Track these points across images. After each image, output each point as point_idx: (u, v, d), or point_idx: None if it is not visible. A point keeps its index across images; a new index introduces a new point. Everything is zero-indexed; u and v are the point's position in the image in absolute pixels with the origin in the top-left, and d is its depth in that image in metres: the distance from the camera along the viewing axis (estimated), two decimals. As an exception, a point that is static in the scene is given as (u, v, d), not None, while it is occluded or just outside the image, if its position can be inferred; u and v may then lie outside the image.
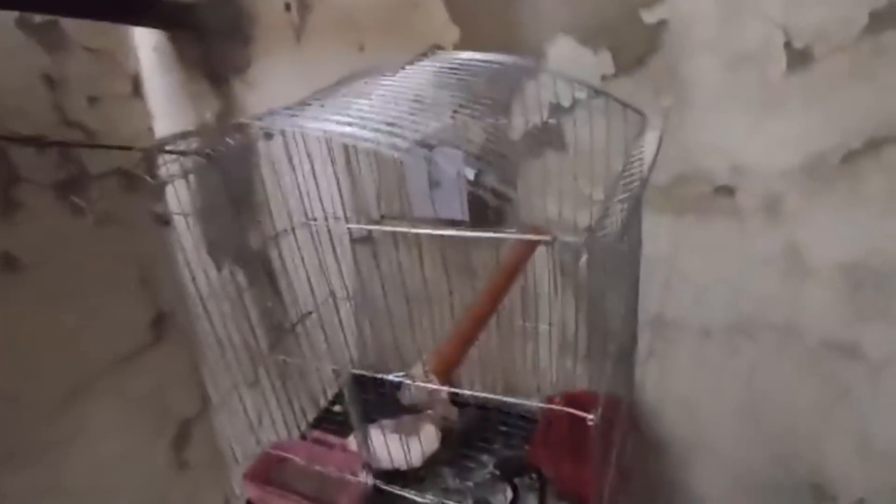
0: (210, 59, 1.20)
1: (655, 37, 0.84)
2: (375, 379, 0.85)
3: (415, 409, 0.95)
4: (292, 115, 0.57)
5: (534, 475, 0.90)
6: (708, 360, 1.02)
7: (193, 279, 0.85)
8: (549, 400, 0.79)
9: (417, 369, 0.82)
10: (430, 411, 0.98)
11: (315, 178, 0.98)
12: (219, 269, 1.33)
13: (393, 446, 0.92)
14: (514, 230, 0.87)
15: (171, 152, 0.71)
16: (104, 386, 1.30)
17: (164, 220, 0.92)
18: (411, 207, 1.07)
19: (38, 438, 1.19)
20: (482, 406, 1.06)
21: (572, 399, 0.70)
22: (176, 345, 1.45)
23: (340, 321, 1.12)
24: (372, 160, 1.09)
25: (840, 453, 0.99)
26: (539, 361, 1.05)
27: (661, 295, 1.00)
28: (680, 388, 1.07)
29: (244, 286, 1.33)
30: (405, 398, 0.87)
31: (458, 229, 0.97)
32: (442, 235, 0.67)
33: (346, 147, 1.05)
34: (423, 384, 0.79)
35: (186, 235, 0.90)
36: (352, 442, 0.97)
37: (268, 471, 0.98)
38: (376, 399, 0.93)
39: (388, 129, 0.49)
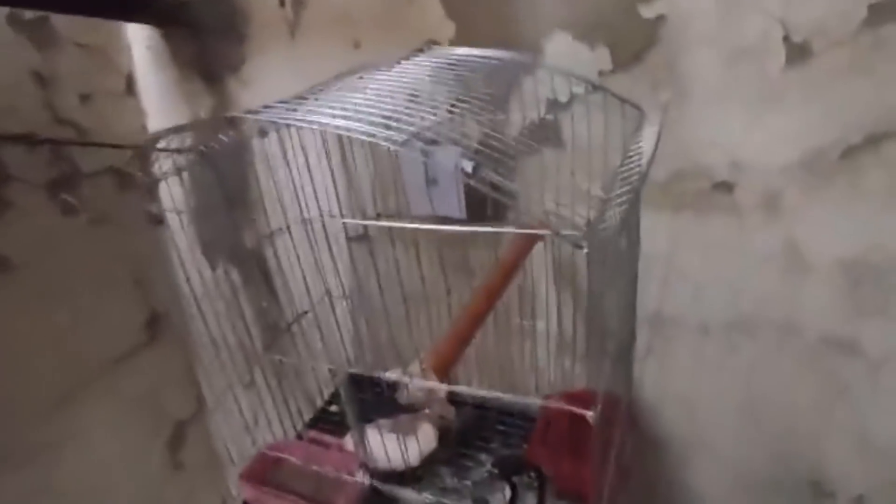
0: (204, 57, 1.18)
1: (653, 32, 0.84)
2: (372, 378, 0.85)
3: (412, 409, 0.94)
4: (286, 109, 0.56)
5: (532, 474, 0.89)
6: (707, 358, 1.02)
7: (188, 279, 0.84)
8: (548, 399, 0.78)
9: (415, 368, 0.81)
10: (427, 410, 0.97)
11: (311, 175, 0.97)
12: (213, 268, 1.32)
13: (390, 446, 0.91)
14: (512, 226, 0.87)
15: (164, 150, 0.70)
16: (98, 387, 1.29)
17: (158, 219, 0.91)
18: (408, 205, 1.06)
19: (32, 440, 1.18)
20: (480, 405, 1.05)
21: (571, 398, 0.69)
22: (170, 345, 1.44)
23: (337, 320, 1.12)
24: (368, 157, 1.08)
25: (839, 450, 0.99)
26: (537, 360, 1.05)
27: (660, 292, 1.00)
28: (679, 385, 1.07)
29: (239, 285, 1.32)
30: (402, 397, 0.86)
31: (455, 226, 0.96)
32: (439, 231, 0.66)
33: (341, 144, 1.05)
34: (420, 382, 0.78)
35: (180, 234, 0.89)
36: (348, 442, 0.97)
37: (264, 471, 0.97)
38: (373, 398, 0.92)
39: (384, 122, 0.48)
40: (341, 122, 0.50)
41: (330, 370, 1.07)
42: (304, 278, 1.00)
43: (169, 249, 0.87)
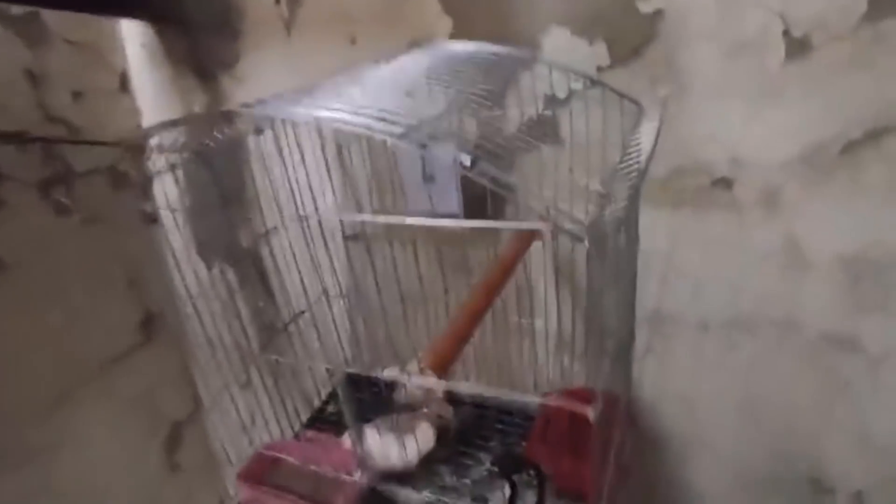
0: (198, 54, 1.17)
1: (652, 26, 0.83)
2: (370, 378, 0.84)
3: (410, 408, 0.93)
4: (282, 103, 0.55)
5: (532, 472, 0.88)
6: (706, 356, 1.01)
7: (183, 278, 0.83)
8: (547, 397, 0.78)
9: (412, 367, 0.80)
10: (425, 409, 0.96)
11: (307, 173, 0.96)
12: (209, 267, 1.31)
13: (388, 445, 0.90)
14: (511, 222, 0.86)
15: (158, 147, 0.69)
16: (94, 388, 1.28)
17: (152, 218, 0.90)
18: (406, 203, 1.05)
19: (28, 441, 1.17)
20: (479, 404, 1.04)
21: (570, 396, 0.68)
22: (166, 345, 1.43)
23: (334, 319, 1.11)
24: (365, 154, 1.07)
25: (839, 447, 0.99)
26: (536, 358, 1.04)
27: (659, 290, 0.99)
28: (678, 383, 1.06)
29: (235, 285, 1.31)
30: (400, 396, 0.85)
31: (453, 222, 0.96)
32: (437, 227, 0.65)
33: (337, 140, 1.04)
34: (418, 381, 0.78)
35: (175, 233, 0.88)
36: (346, 441, 0.96)
37: (262, 471, 0.96)
38: (371, 398, 0.92)
39: (381, 115, 0.47)
40: (338, 116, 0.49)
41: (327, 370, 1.06)
42: (301, 277, 1.00)
43: (164, 248, 0.87)
